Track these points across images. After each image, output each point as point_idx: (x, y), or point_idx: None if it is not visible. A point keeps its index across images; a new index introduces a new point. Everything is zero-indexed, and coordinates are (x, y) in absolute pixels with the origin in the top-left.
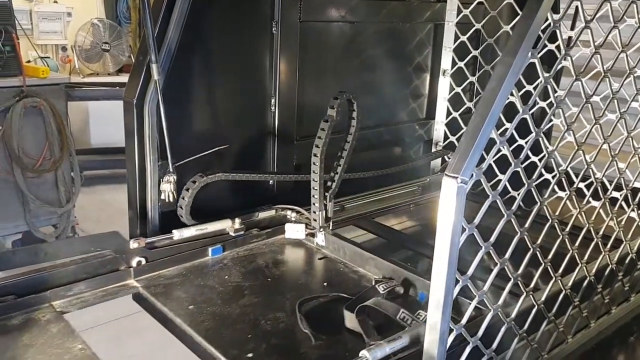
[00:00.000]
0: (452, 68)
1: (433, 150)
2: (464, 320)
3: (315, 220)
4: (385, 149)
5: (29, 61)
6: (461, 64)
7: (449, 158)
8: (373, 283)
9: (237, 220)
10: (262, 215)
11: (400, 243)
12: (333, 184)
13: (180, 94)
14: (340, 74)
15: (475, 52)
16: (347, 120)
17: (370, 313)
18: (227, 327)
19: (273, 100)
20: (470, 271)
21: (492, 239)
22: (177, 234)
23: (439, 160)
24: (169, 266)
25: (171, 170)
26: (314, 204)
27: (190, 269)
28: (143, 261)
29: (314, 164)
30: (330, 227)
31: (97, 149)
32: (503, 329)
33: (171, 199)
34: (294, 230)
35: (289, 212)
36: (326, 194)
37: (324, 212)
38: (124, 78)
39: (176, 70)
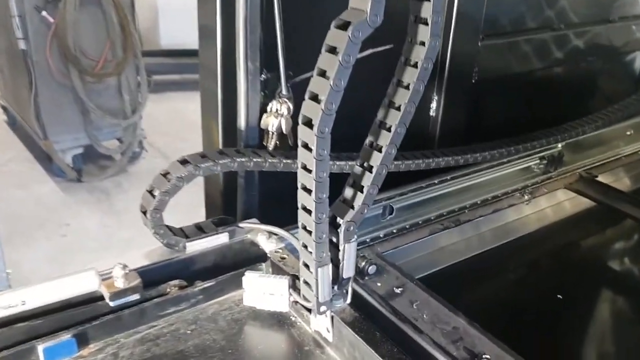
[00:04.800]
0: None
1: None
2: None
3: (310, 289)
4: (578, 64)
5: None
6: None
7: None
8: None
9: (119, 271)
10: (192, 246)
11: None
12: (371, 175)
13: None
14: None
15: None
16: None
17: None
18: None
19: None
20: None
21: None
22: None
23: None
24: None
25: (284, 91)
26: (304, 245)
27: None
28: None
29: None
30: (349, 294)
31: (168, 50)
32: None
33: (290, 143)
34: (261, 292)
35: (261, 239)
36: (352, 204)
37: (341, 263)
38: None
39: None
